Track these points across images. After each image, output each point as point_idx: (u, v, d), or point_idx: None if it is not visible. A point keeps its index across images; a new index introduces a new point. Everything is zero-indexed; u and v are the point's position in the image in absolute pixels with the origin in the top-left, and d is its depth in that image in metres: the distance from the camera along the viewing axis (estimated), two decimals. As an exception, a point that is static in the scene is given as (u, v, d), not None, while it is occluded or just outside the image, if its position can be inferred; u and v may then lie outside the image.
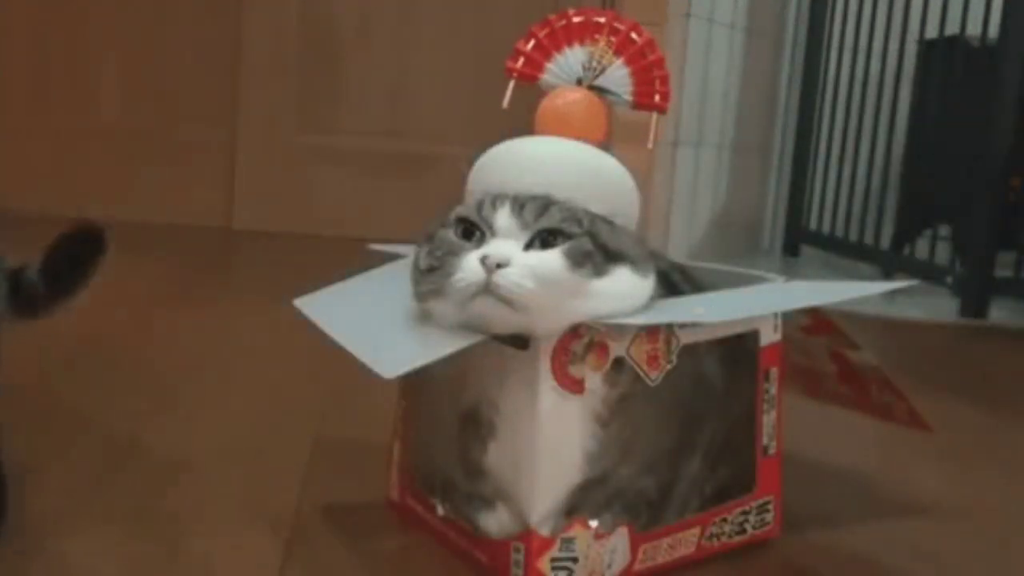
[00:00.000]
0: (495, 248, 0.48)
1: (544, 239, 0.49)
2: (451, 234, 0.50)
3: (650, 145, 0.57)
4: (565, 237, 0.49)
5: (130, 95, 1.89)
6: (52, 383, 0.83)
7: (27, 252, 0.68)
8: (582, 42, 0.56)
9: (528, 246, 0.49)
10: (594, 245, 0.49)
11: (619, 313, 0.49)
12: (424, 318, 0.51)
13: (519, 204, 0.49)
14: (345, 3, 1.90)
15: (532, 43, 0.56)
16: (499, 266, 0.47)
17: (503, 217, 0.49)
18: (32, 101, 1.88)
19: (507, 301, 0.47)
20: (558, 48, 0.56)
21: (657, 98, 0.56)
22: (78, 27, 1.86)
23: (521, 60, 0.56)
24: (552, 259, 0.48)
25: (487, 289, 0.47)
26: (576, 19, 0.56)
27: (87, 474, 0.62)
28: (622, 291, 0.50)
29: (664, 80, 0.56)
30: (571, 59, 0.56)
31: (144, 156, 1.89)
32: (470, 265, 0.48)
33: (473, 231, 0.50)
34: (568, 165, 0.52)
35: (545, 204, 0.49)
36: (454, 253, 0.49)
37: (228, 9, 1.87)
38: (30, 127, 1.87)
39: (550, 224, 0.49)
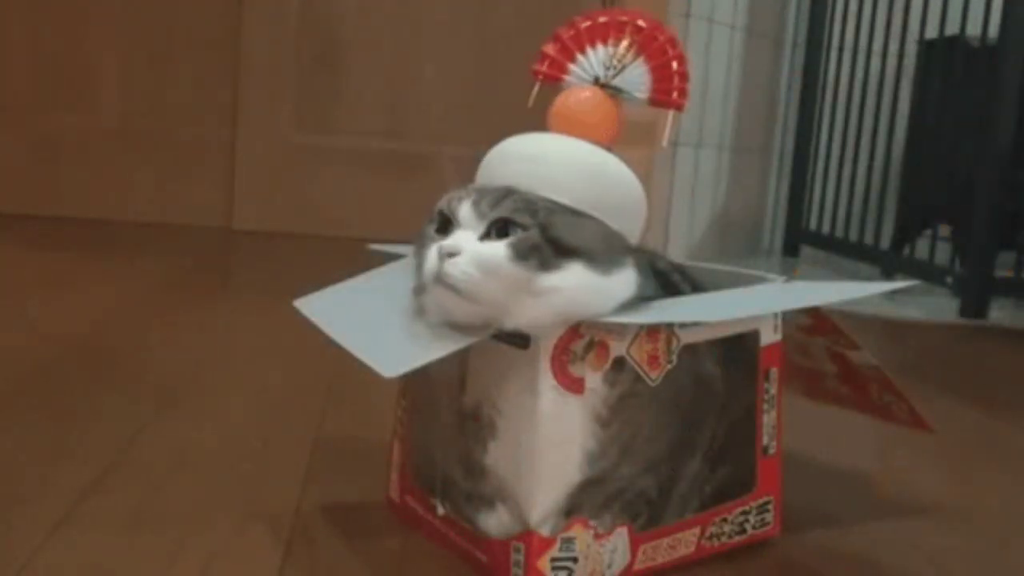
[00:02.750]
0: (451, 238, 0.49)
1: (500, 229, 0.49)
2: (430, 228, 0.51)
3: (664, 143, 0.57)
4: (522, 228, 0.49)
5: (130, 96, 1.89)
6: (51, 382, 0.83)
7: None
8: (604, 42, 0.56)
9: (486, 236, 0.49)
10: (543, 238, 0.48)
11: (590, 312, 0.49)
12: (420, 314, 0.52)
13: (481, 195, 0.50)
14: (345, 3, 1.91)
15: (557, 45, 0.56)
16: (451, 255, 0.48)
17: (465, 209, 0.50)
18: (32, 102, 1.88)
19: (455, 289, 0.48)
20: (581, 49, 0.56)
21: (674, 95, 0.55)
22: (78, 28, 1.86)
23: (546, 63, 0.56)
24: (497, 249, 0.48)
25: (438, 278, 0.48)
26: (601, 19, 0.56)
27: (87, 473, 0.62)
28: (576, 287, 0.49)
29: (683, 77, 0.55)
30: (593, 59, 0.56)
31: (144, 156, 1.89)
32: (431, 256, 0.49)
33: (448, 224, 0.51)
34: (563, 164, 0.52)
35: (503, 194, 0.50)
36: (426, 246, 0.50)
37: (228, 10, 1.87)
38: (30, 128, 1.87)
39: (502, 213, 0.49)
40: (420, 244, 0.51)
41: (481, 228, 0.49)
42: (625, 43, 0.55)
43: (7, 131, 1.87)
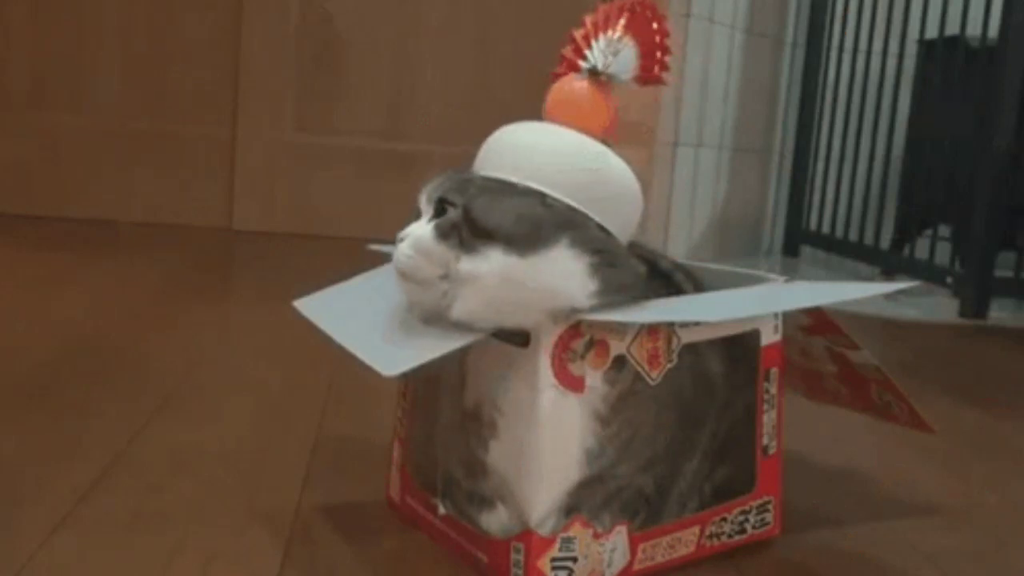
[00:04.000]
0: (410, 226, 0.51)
1: (442, 212, 0.50)
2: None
3: (651, 133, 0.57)
4: (454, 207, 0.50)
5: (131, 96, 1.89)
6: (53, 382, 0.83)
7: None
8: (606, 31, 0.56)
9: (432, 219, 0.50)
10: (463, 218, 0.49)
11: (530, 301, 0.48)
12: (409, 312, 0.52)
13: (433, 181, 0.51)
14: (344, 4, 1.91)
15: (572, 46, 0.57)
16: (401, 242, 0.50)
17: (423, 197, 0.51)
18: (32, 102, 1.88)
19: (400, 273, 0.50)
20: (588, 44, 0.56)
21: (656, 69, 0.55)
22: (79, 29, 1.87)
23: (563, 64, 0.57)
24: (426, 228, 0.50)
25: (393, 265, 0.50)
26: (606, 11, 0.56)
27: (87, 473, 0.62)
28: (495, 273, 0.47)
29: (664, 50, 0.55)
30: (596, 50, 0.56)
31: (144, 157, 1.90)
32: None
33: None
34: (554, 152, 0.52)
35: (445, 176, 0.51)
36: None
37: (228, 11, 1.87)
38: (30, 128, 1.88)
39: (439, 193, 0.50)
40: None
41: (430, 212, 0.51)
42: (619, 30, 0.55)
43: (8, 131, 1.87)
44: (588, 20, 0.57)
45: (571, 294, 0.48)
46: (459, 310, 0.49)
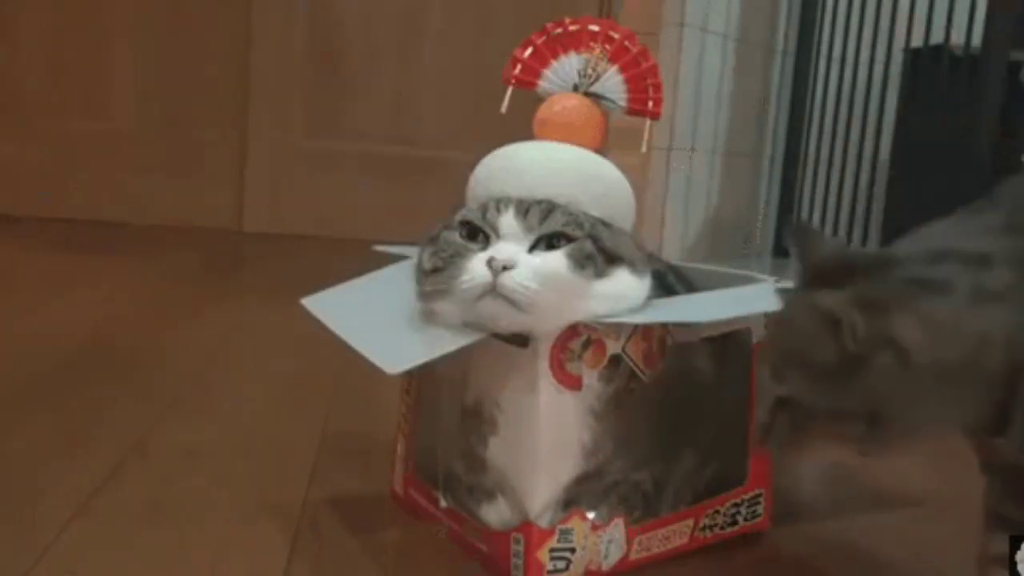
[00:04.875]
0: (501, 250, 0.49)
1: (548, 242, 0.50)
2: (456, 236, 0.51)
3: (644, 149, 0.59)
4: (568, 240, 0.50)
5: (144, 102, 1.91)
6: (68, 378, 0.84)
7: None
8: (578, 50, 0.57)
9: (532, 249, 0.50)
10: (595, 247, 0.50)
11: (617, 312, 0.51)
12: (427, 316, 0.53)
13: (523, 208, 0.50)
14: (352, 13, 1.93)
15: (529, 51, 0.57)
16: (505, 268, 0.48)
17: (507, 221, 0.50)
18: (46, 106, 1.89)
19: (512, 301, 0.48)
20: (555, 56, 0.57)
21: (650, 104, 0.57)
22: (91, 35, 1.88)
23: (519, 67, 0.57)
24: (556, 261, 0.49)
25: (493, 290, 0.48)
26: (572, 27, 0.58)
27: (102, 468, 0.63)
28: (620, 292, 0.51)
29: (657, 87, 0.57)
30: (567, 66, 0.57)
31: (157, 160, 1.91)
32: (476, 267, 0.49)
33: (477, 234, 0.51)
34: (568, 170, 0.53)
35: (549, 208, 0.51)
36: (460, 255, 0.50)
37: (238, 18, 1.89)
38: (44, 132, 1.89)
39: (554, 228, 0.50)
40: (451, 253, 0.51)
41: (529, 241, 0.50)
42: (598, 52, 0.56)
43: (26, 136, 1.88)
44: (552, 30, 0.57)
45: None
46: (565, 320, 0.50)
